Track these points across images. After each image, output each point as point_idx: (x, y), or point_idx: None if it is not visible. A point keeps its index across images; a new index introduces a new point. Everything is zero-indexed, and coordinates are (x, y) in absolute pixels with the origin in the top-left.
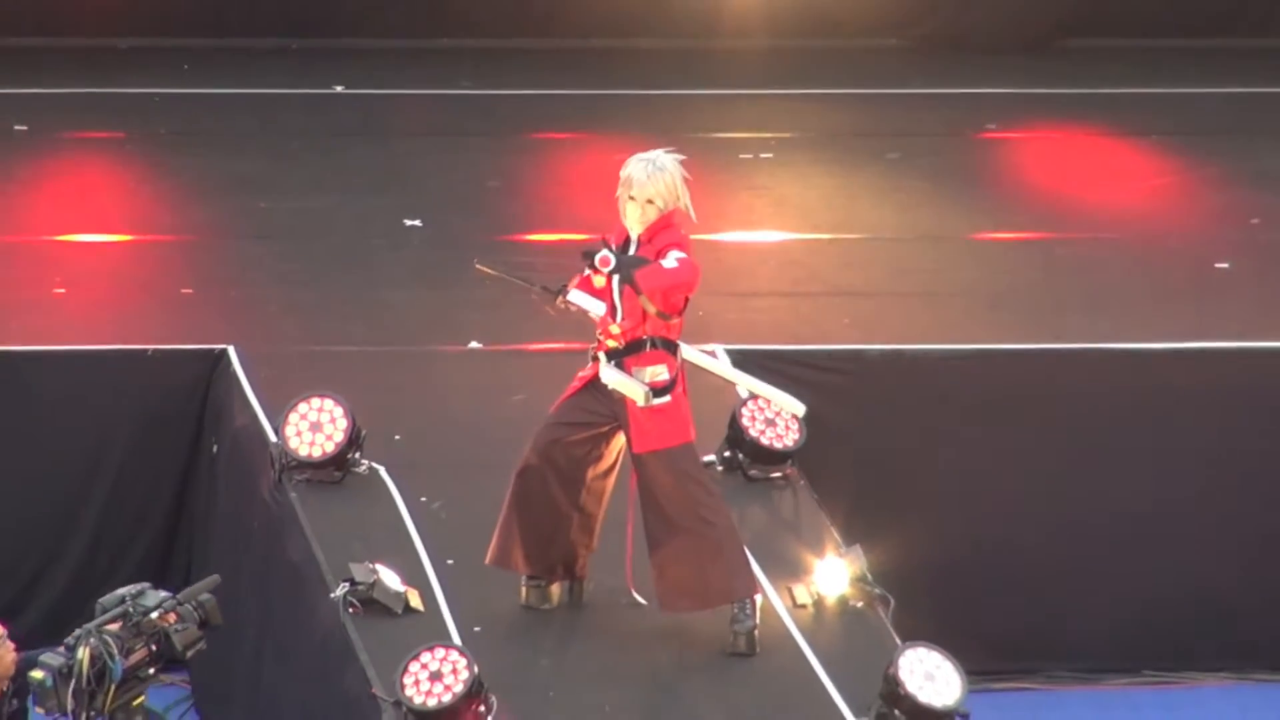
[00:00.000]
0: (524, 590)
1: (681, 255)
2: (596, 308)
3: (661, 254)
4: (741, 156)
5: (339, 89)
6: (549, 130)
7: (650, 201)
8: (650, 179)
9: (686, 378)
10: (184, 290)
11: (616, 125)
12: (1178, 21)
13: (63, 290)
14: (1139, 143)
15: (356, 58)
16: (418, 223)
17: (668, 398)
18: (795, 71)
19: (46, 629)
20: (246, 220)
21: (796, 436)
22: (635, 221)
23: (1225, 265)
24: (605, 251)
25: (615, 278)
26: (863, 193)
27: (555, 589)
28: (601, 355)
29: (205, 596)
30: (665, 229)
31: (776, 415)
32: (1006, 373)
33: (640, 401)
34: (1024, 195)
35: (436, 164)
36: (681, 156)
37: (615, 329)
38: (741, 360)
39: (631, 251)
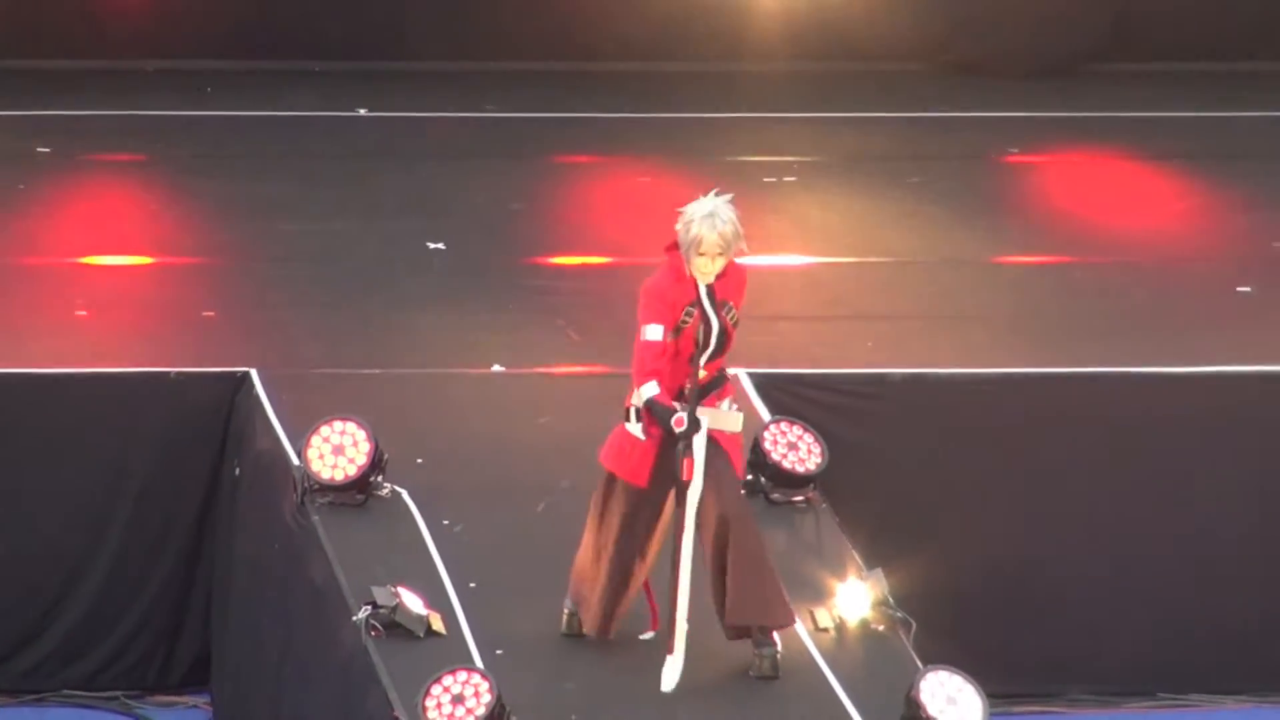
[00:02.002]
0: (565, 617)
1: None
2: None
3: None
4: (765, 180)
5: (362, 112)
6: (572, 153)
7: (720, 254)
8: (720, 235)
9: None
10: (206, 313)
11: (640, 149)
12: (1201, 46)
13: (85, 313)
14: (1161, 166)
15: (380, 81)
16: (441, 246)
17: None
18: (818, 95)
19: (69, 650)
20: (269, 243)
21: (819, 460)
22: (708, 274)
23: (1248, 289)
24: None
25: (714, 326)
26: (885, 216)
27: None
28: (701, 413)
29: None
30: (738, 279)
31: (799, 439)
32: (1028, 397)
33: (738, 427)
34: (1046, 219)
35: (459, 187)
36: (729, 195)
37: (703, 373)
38: (765, 383)
39: (707, 296)
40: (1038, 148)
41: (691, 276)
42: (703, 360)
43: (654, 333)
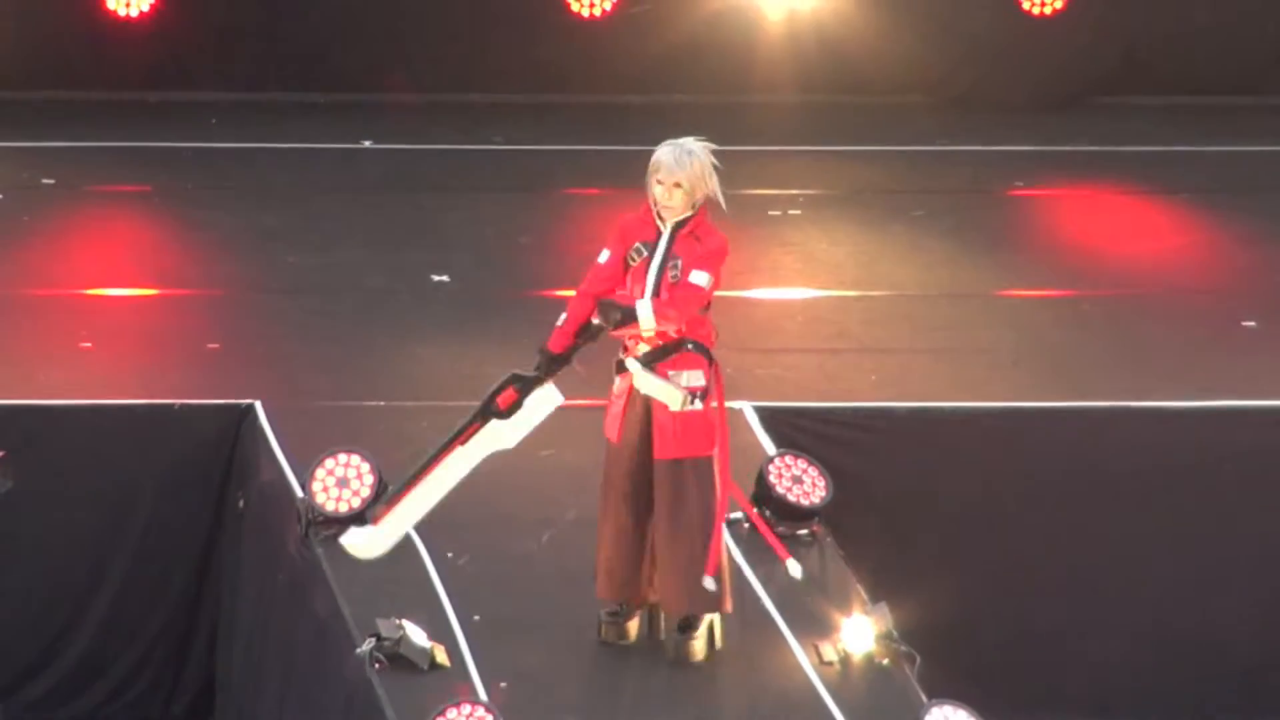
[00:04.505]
0: (602, 627)
1: (704, 280)
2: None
3: (698, 262)
4: (770, 213)
5: (367, 143)
6: (580, 186)
7: (677, 185)
8: (678, 163)
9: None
10: (210, 345)
11: None
12: (1208, 80)
13: (89, 344)
14: (1167, 200)
15: (386, 112)
16: (445, 278)
17: (700, 405)
18: (824, 128)
19: (72, 684)
20: (274, 275)
21: (823, 494)
22: (664, 206)
23: (1252, 323)
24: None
25: (652, 272)
26: (890, 250)
27: (633, 625)
28: (630, 361)
29: None
30: (708, 232)
31: (804, 473)
32: (1033, 431)
33: (676, 406)
34: (1050, 252)
35: (465, 219)
36: (712, 145)
37: (649, 331)
38: (770, 417)
39: (664, 244)
40: (1043, 182)
41: (653, 220)
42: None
43: (602, 255)
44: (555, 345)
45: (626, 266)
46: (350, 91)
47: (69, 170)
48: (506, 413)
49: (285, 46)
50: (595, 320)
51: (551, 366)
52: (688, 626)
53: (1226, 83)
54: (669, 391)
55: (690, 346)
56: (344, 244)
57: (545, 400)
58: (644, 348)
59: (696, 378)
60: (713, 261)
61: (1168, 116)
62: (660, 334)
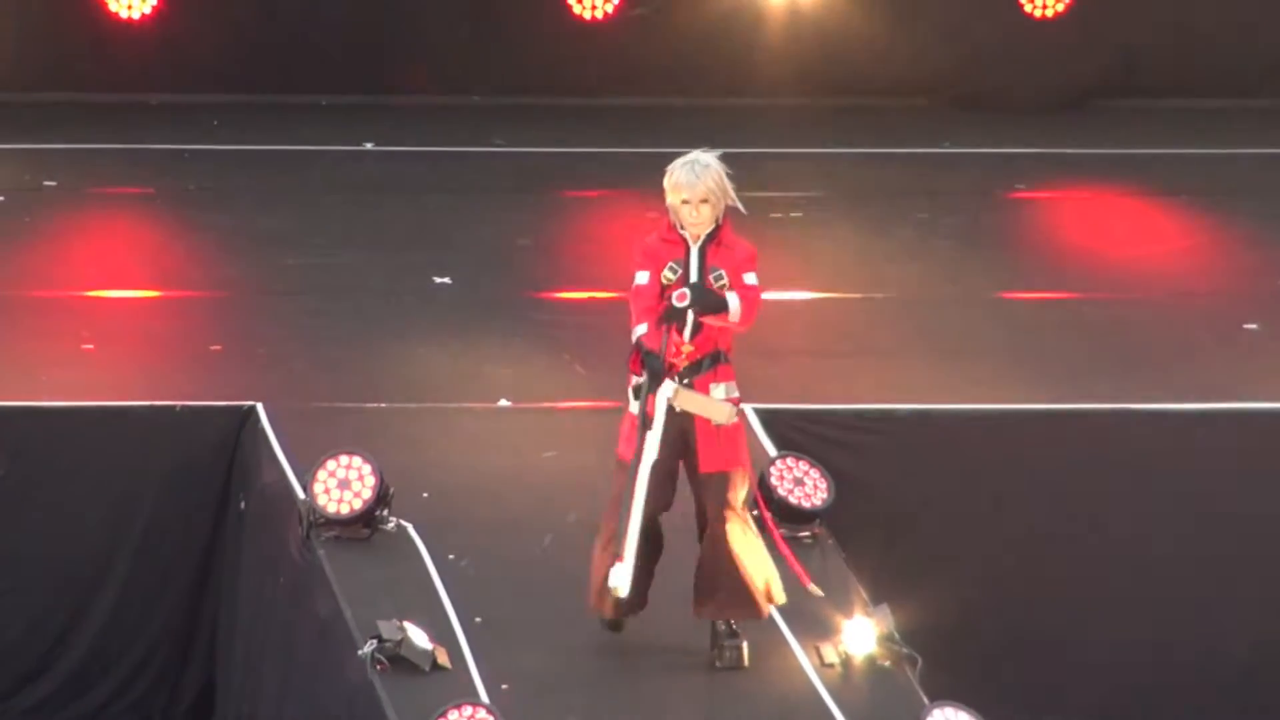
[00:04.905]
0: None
1: (757, 280)
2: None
3: (742, 268)
4: (772, 215)
5: (369, 146)
6: (580, 188)
7: (705, 201)
8: (701, 178)
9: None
10: (212, 347)
11: (647, 184)
12: (1209, 82)
13: (91, 346)
14: (1168, 203)
15: (386, 114)
16: (447, 280)
17: (736, 417)
18: (825, 130)
19: (74, 686)
20: (275, 277)
21: (825, 496)
22: (693, 224)
23: (1254, 326)
24: (682, 289)
25: (693, 279)
26: (892, 252)
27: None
28: (664, 383)
29: None
30: (735, 239)
31: (805, 475)
32: (1034, 432)
33: (722, 419)
34: (1052, 255)
35: (466, 221)
36: (718, 151)
37: (689, 346)
38: (771, 419)
39: (696, 259)
40: (1044, 184)
41: (680, 235)
42: (687, 330)
43: (641, 277)
44: (654, 343)
45: (663, 285)
46: (352, 94)
47: (71, 172)
48: (653, 421)
49: (287, 48)
50: (679, 304)
51: (663, 365)
52: (736, 633)
53: (1228, 86)
54: (716, 407)
55: (724, 359)
56: (346, 246)
57: (663, 400)
58: (686, 363)
59: (734, 389)
60: (754, 264)
61: (1169, 119)
62: (701, 345)
